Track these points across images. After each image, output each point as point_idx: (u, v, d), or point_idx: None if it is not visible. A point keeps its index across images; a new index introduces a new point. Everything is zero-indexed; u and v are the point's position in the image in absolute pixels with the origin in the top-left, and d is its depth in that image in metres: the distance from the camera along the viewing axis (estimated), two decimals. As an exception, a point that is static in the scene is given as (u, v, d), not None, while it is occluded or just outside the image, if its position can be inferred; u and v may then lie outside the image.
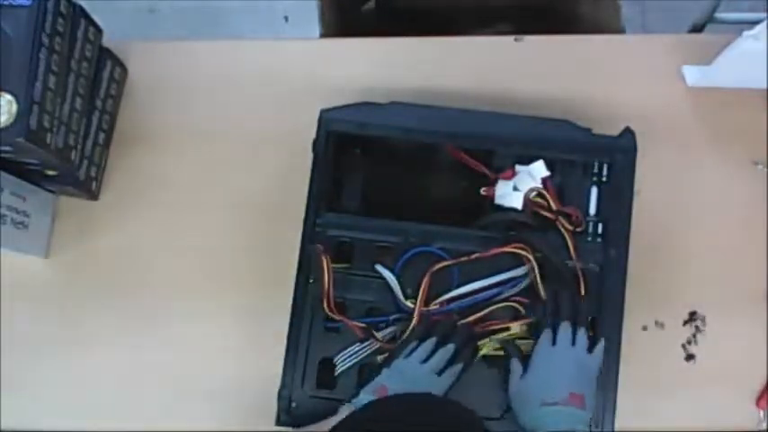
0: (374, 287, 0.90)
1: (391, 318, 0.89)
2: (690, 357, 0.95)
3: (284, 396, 0.87)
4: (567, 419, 0.78)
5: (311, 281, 0.89)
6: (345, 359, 0.88)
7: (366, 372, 0.88)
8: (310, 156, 0.93)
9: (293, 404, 0.87)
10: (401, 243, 0.91)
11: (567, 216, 0.90)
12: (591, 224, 0.91)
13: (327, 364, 0.88)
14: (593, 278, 0.88)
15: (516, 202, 0.91)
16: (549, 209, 0.91)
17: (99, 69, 1.01)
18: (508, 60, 1.06)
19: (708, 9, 1.16)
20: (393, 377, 0.83)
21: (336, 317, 0.87)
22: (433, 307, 0.88)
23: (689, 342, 0.96)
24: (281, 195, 1.01)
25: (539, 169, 0.92)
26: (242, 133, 1.06)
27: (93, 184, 1.03)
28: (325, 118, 0.94)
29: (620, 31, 1.28)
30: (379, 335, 0.87)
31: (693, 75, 1.03)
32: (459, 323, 0.87)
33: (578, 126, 0.92)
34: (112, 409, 0.98)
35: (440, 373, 0.83)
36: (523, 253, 0.88)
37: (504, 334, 0.87)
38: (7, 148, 0.87)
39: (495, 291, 0.89)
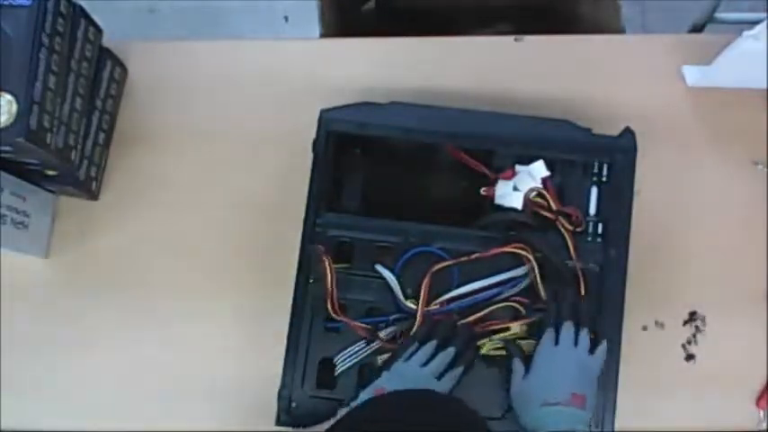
0: (374, 287, 0.90)
1: (391, 318, 0.89)
2: (690, 357, 0.95)
3: (284, 396, 0.87)
4: (569, 420, 0.78)
5: (311, 281, 0.89)
6: (345, 359, 0.88)
7: (366, 372, 0.88)
8: (310, 156, 0.93)
9: (293, 404, 0.87)
10: (401, 243, 0.91)
11: (567, 216, 0.90)
12: (591, 224, 0.91)
13: (327, 364, 0.88)
14: (593, 278, 0.88)
15: (516, 202, 0.91)
16: (549, 209, 0.91)
17: (99, 69, 1.01)
18: (508, 60, 1.06)
19: (708, 9, 1.16)
20: (393, 380, 0.83)
21: (341, 318, 0.87)
22: (433, 307, 0.88)
23: (689, 342, 0.96)
24: (281, 195, 1.01)
25: (539, 169, 0.92)
26: (242, 133, 1.06)
27: (93, 184, 1.03)
28: (325, 118, 0.94)
29: (620, 31, 1.28)
30: (380, 335, 0.87)
31: (693, 75, 1.03)
32: (460, 324, 0.87)
33: (578, 126, 0.93)
34: (112, 409, 0.98)
35: (440, 376, 0.83)
36: (523, 253, 0.88)
37: (505, 334, 0.88)
38: (7, 148, 0.87)
39: (495, 291, 0.89)
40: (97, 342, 1.00)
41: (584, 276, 0.88)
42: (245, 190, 1.03)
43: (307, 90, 1.05)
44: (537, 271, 0.87)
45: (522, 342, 0.87)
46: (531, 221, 0.90)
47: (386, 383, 0.82)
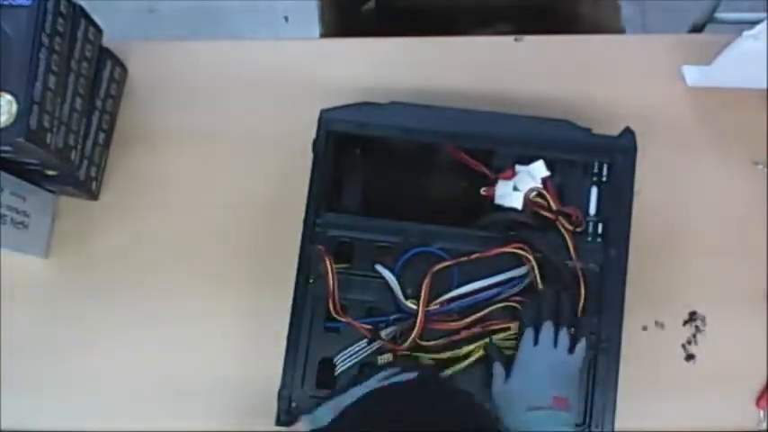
0: (374, 287, 0.90)
1: (391, 318, 0.89)
2: (690, 357, 0.95)
3: (284, 396, 0.87)
4: (554, 423, 0.78)
5: (311, 281, 0.89)
6: (345, 359, 0.88)
7: (367, 371, 0.88)
8: (310, 156, 0.93)
9: (293, 404, 0.87)
10: (401, 243, 0.91)
11: (567, 216, 0.90)
12: (591, 224, 0.91)
13: (327, 364, 0.88)
14: (593, 278, 0.88)
15: (516, 202, 0.91)
16: (549, 209, 0.91)
17: (99, 69, 1.01)
18: (508, 60, 1.06)
19: (708, 9, 1.16)
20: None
21: (342, 318, 0.87)
22: (433, 307, 0.88)
23: (689, 342, 0.96)
24: (281, 195, 1.01)
25: (539, 169, 0.92)
26: (242, 133, 1.06)
27: (93, 184, 1.03)
28: (325, 118, 0.94)
29: (620, 31, 1.28)
30: (381, 335, 0.88)
31: (693, 75, 1.03)
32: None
33: (578, 126, 0.93)
34: (112, 409, 0.98)
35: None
36: (523, 253, 0.88)
37: (505, 334, 0.87)
38: (7, 148, 0.87)
39: (495, 291, 0.89)
40: (97, 342, 1.00)
41: (584, 276, 0.88)
42: (245, 190, 1.03)
43: (307, 90, 1.05)
44: (537, 271, 0.87)
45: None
46: (531, 221, 0.90)
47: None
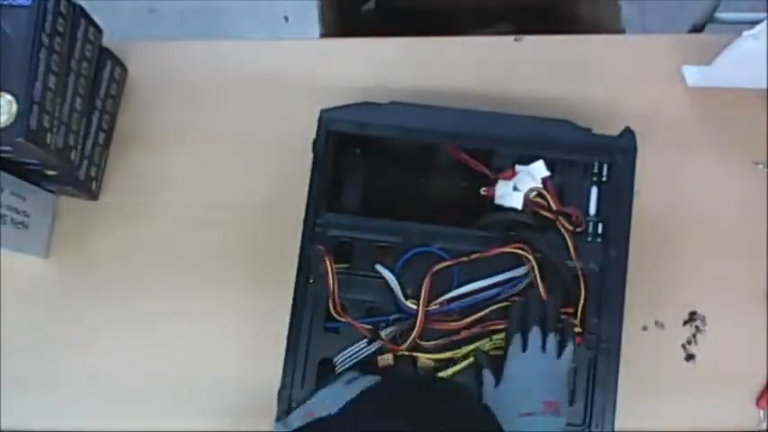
0: (374, 287, 0.90)
1: (391, 318, 0.89)
2: (690, 357, 0.95)
3: (284, 396, 0.87)
4: (545, 427, 0.78)
5: (311, 281, 0.89)
6: (345, 359, 0.88)
7: (367, 371, 0.88)
8: (310, 156, 0.93)
9: (293, 404, 0.87)
10: (401, 243, 0.91)
11: (567, 216, 0.90)
12: (591, 224, 0.91)
13: (327, 364, 0.88)
14: (593, 278, 0.88)
15: (516, 202, 0.91)
16: (549, 209, 0.91)
17: (99, 69, 1.01)
18: (508, 60, 1.06)
19: (708, 9, 1.16)
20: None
21: (342, 318, 0.87)
22: (433, 307, 0.88)
23: (689, 342, 0.96)
24: (281, 195, 1.01)
25: (539, 169, 0.92)
26: (242, 133, 1.06)
27: (93, 184, 1.03)
28: (325, 118, 0.94)
29: (620, 31, 1.28)
30: (381, 335, 0.88)
31: (693, 75, 1.03)
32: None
33: (578, 126, 0.92)
34: (112, 409, 0.98)
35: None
36: (523, 253, 0.88)
37: (504, 334, 0.87)
38: (7, 148, 0.87)
39: (495, 291, 0.89)
40: (97, 342, 1.00)
41: (584, 276, 0.88)
42: (245, 190, 1.03)
43: (307, 90, 1.05)
44: (537, 271, 0.87)
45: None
46: (531, 221, 0.90)
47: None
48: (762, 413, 0.93)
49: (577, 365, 0.87)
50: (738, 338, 0.95)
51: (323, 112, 0.94)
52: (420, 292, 0.87)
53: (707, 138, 1.02)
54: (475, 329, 0.87)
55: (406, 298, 0.89)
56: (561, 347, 0.83)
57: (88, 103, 0.99)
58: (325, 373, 0.88)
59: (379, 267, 0.90)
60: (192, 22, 1.95)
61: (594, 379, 0.86)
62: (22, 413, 0.99)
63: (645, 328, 0.96)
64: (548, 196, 0.91)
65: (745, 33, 0.90)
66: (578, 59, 1.06)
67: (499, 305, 0.88)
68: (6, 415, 0.98)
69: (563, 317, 0.86)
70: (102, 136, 1.03)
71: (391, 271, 0.90)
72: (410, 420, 0.56)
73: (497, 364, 0.84)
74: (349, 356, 0.88)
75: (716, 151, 1.01)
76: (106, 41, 1.02)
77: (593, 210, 0.92)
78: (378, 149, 0.97)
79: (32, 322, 1.02)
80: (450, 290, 0.89)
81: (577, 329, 0.87)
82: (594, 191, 0.93)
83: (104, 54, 1.02)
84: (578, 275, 0.88)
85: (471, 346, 0.87)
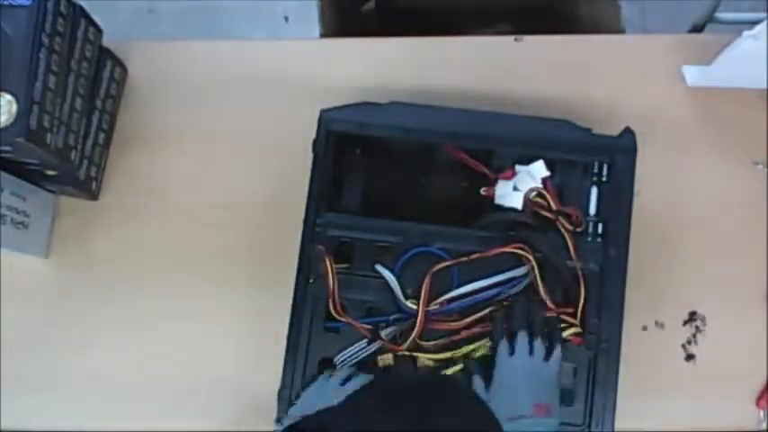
0: (374, 287, 0.90)
1: (391, 318, 0.89)
2: (690, 357, 0.95)
3: (284, 396, 0.87)
4: (537, 428, 0.78)
5: (311, 281, 0.89)
6: (345, 359, 0.88)
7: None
8: (310, 156, 0.93)
9: (293, 404, 0.87)
10: (401, 243, 0.91)
11: (567, 216, 0.90)
12: (591, 224, 0.91)
13: (327, 364, 0.88)
14: (593, 278, 0.88)
15: (516, 202, 0.91)
16: (549, 209, 0.91)
17: (99, 69, 1.01)
18: (508, 60, 1.06)
19: (708, 9, 1.16)
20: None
21: (342, 318, 0.87)
22: (433, 307, 0.88)
23: (689, 342, 0.96)
24: (281, 195, 1.01)
25: (539, 169, 0.92)
26: (242, 133, 1.06)
27: (93, 184, 1.03)
28: (325, 118, 0.94)
29: (620, 31, 1.28)
30: (381, 335, 0.88)
31: (693, 75, 1.03)
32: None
33: (578, 126, 0.92)
34: (112, 409, 0.98)
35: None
36: (523, 253, 0.88)
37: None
38: (7, 148, 0.87)
39: (495, 291, 0.89)
40: (97, 342, 1.00)
41: (584, 276, 0.88)
42: (245, 190, 1.03)
43: (307, 90, 1.05)
44: (537, 271, 0.87)
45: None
46: (531, 221, 0.90)
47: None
48: (762, 413, 0.93)
49: (577, 365, 0.87)
50: (738, 338, 0.95)
51: (323, 112, 0.94)
52: (420, 292, 0.87)
53: (707, 138, 1.02)
54: (475, 329, 0.87)
55: (406, 298, 0.89)
56: (549, 350, 0.84)
57: (88, 103, 0.99)
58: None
59: (379, 267, 0.90)
60: (191, 22, 1.95)
61: (594, 379, 0.86)
62: (22, 413, 0.99)
63: (645, 328, 0.96)
64: (548, 196, 0.91)
65: (745, 33, 0.90)
66: (578, 59, 1.06)
67: (499, 305, 0.88)
68: (6, 415, 0.98)
69: (550, 317, 0.86)
70: (102, 136, 1.03)
71: (391, 271, 0.90)
72: (410, 419, 0.56)
73: (487, 369, 0.84)
74: (349, 356, 0.88)
75: (716, 151, 1.01)
76: (106, 41, 1.02)
77: (593, 210, 0.92)
78: (378, 149, 0.97)
79: (32, 322, 1.02)
80: (450, 290, 0.89)
81: (577, 330, 0.87)
82: (594, 191, 0.93)
83: (104, 54, 1.02)
84: (578, 275, 0.88)
85: (471, 346, 0.87)
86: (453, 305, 0.89)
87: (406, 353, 0.87)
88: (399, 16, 1.31)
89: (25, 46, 0.86)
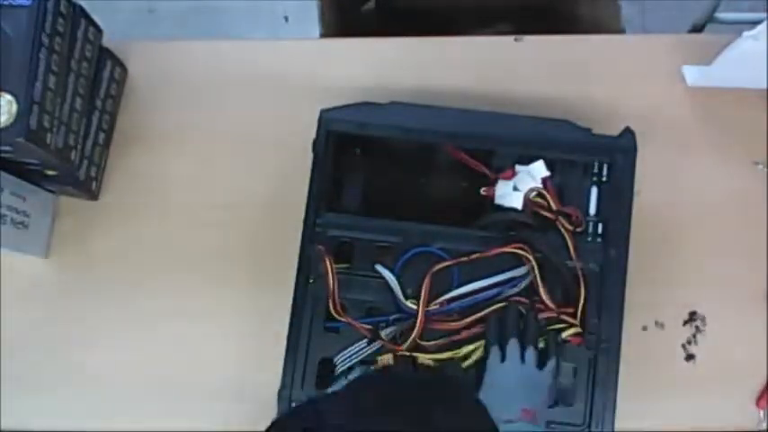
0: (374, 287, 0.90)
1: (391, 318, 0.89)
2: (690, 357, 0.95)
3: (284, 396, 0.87)
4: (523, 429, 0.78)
5: (311, 281, 0.89)
6: (345, 359, 0.88)
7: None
8: (310, 156, 0.93)
9: (293, 404, 0.87)
10: (401, 243, 0.91)
11: (567, 216, 0.90)
12: (591, 224, 0.91)
13: (327, 364, 0.88)
14: (593, 278, 0.88)
15: (516, 202, 0.91)
16: (549, 209, 0.91)
17: (99, 69, 1.01)
18: (508, 60, 1.06)
19: (708, 9, 1.16)
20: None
21: (342, 318, 0.87)
22: (433, 307, 0.88)
23: (689, 342, 0.96)
24: (281, 195, 1.01)
25: (539, 169, 0.92)
26: (242, 133, 1.06)
27: (93, 184, 1.03)
28: (325, 118, 0.94)
29: (620, 31, 1.28)
30: (382, 335, 0.88)
31: (693, 75, 1.03)
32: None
33: (578, 126, 0.92)
34: (113, 409, 0.98)
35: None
36: (523, 253, 0.88)
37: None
38: (7, 148, 0.87)
39: (495, 291, 0.89)
40: (97, 342, 1.00)
41: (584, 276, 0.88)
42: (245, 190, 1.03)
43: (307, 90, 1.05)
44: (537, 271, 0.87)
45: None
46: (531, 221, 0.90)
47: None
48: (762, 413, 0.93)
49: (577, 365, 0.87)
50: (738, 338, 0.95)
51: (323, 112, 0.94)
52: (420, 292, 0.87)
53: (707, 138, 1.02)
54: (475, 329, 0.87)
55: (406, 298, 0.89)
56: (545, 360, 0.84)
57: (88, 103, 0.99)
58: (326, 373, 0.88)
59: (379, 267, 0.90)
60: (191, 22, 1.95)
61: (594, 379, 0.86)
62: (22, 413, 0.99)
63: (645, 328, 0.96)
64: (548, 196, 0.91)
65: (745, 33, 0.90)
66: (578, 59, 1.06)
67: (499, 305, 0.88)
68: (6, 415, 0.98)
69: (547, 325, 0.86)
70: (102, 136, 1.03)
71: (391, 271, 0.90)
72: (410, 419, 0.56)
73: (479, 371, 0.84)
74: (349, 356, 0.88)
75: (716, 151, 1.01)
76: (106, 41, 1.02)
77: (593, 210, 0.92)
78: (378, 149, 0.97)
79: (32, 322, 1.02)
80: (450, 290, 0.89)
81: (577, 330, 0.87)
82: (594, 191, 0.93)
83: (104, 54, 1.02)
84: (578, 275, 0.88)
85: (471, 346, 0.87)
86: (453, 305, 0.88)
87: (406, 353, 0.87)
88: (399, 16, 1.31)
89: (25, 46, 0.86)
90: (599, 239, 0.91)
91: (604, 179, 0.92)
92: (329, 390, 0.87)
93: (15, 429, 0.98)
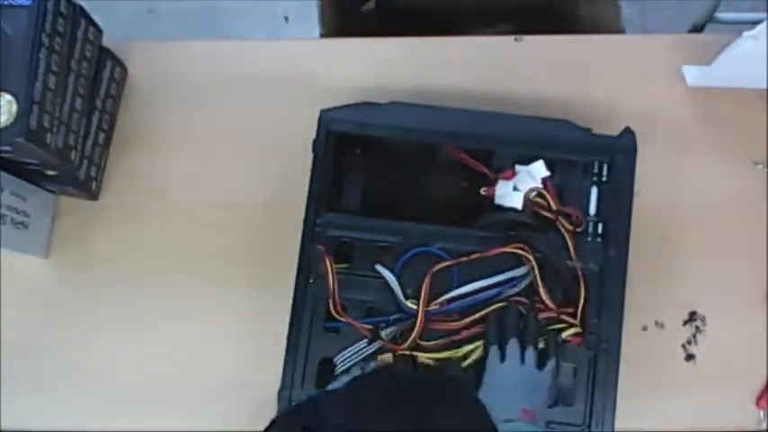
0: (374, 287, 0.90)
1: (391, 318, 0.89)
2: (690, 357, 0.95)
3: (284, 396, 0.87)
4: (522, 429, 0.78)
5: (311, 281, 0.89)
6: (345, 359, 0.88)
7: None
8: (310, 156, 0.93)
9: (293, 404, 0.87)
10: (401, 243, 0.91)
11: (567, 216, 0.90)
12: (591, 224, 0.91)
13: (327, 364, 0.88)
14: (593, 278, 0.88)
15: (516, 202, 0.91)
16: (549, 209, 0.91)
17: (99, 69, 1.01)
18: (508, 60, 1.06)
19: (708, 9, 1.16)
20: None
21: (342, 318, 0.87)
22: (433, 307, 0.88)
23: (689, 342, 0.96)
24: (281, 195, 1.01)
25: (539, 169, 0.92)
26: (242, 133, 1.06)
27: (93, 184, 1.03)
28: (325, 118, 0.94)
29: (620, 31, 1.28)
30: (382, 335, 0.88)
31: (693, 75, 1.03)
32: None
33: (578, 126, 0.92)
34: (113, 409, 0.98)
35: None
36: (523, 253, 0.88)
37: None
38: (7, 148, 0.87)
39: (495, 291, 0.89)
40: (97, 342, 1.00)
41: (584, 276, 0.88)
42: (245, 190, 1.03)
43: (307, 90, 1.05)
44: (537, 271, 0.87)
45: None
46: (531, 221, 0.90)
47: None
48: (762, 413, 0.93)
49: (577, 365, 0.87)
50: (738, 338, 0.95)
51: (323, 112, 0.94)
52: (420, 292, 0.87)
53: (707, 138, 1.02)
54: (475, 329, 0.87)
55: (406, 298, 0.89)
56: (545, 360, 0.84)
57: (88, 103, 0.99)
58: (326, 373, 0.88)
59: (379, 267, 0.90)
60: (192, 22, 1.95)
61: (594, 379, 0.86)
62: (22, 413, 0.99)
63: (645, 328, 0.96)
64: (548, 196, 0.91)
65: (745, 33, 0.90)
66: (578, 59, 1.06)
67: (499, 305, 0.88)
68: (6, 415, 0.98)
69: (548, 326, 0.86)
70: (102, 136, 1.03)
71: (391, 271, 0.90)
72: (410, 418, 0.56)
73: (479, 370, 0.84)
74: (349, 356, 0.88)
75: (716, 151, 1.01)
76: (106, 41, 1.02)
77: (593, 210, 0.92)
78: (378, 149, 0.97)
79: (32, 322, 1.02)
80: (450, 290, 0.89)
81: (577, 330, 0.87)
82: (594, 191, 0.93)
83: (104, 54, 1.02)
84: (578, 275, 0.88)
85: (471, 346, 0.87)
86: (453, 305, 0.89)
87: (407, 353, 0.87)
88: (399, 16, 1.31)
89: (25, 46, 0.86)
90: (599, 239, 0.91)
91: (604, 179, 0.93)
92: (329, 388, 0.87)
93: (15, 429, 0.98)
